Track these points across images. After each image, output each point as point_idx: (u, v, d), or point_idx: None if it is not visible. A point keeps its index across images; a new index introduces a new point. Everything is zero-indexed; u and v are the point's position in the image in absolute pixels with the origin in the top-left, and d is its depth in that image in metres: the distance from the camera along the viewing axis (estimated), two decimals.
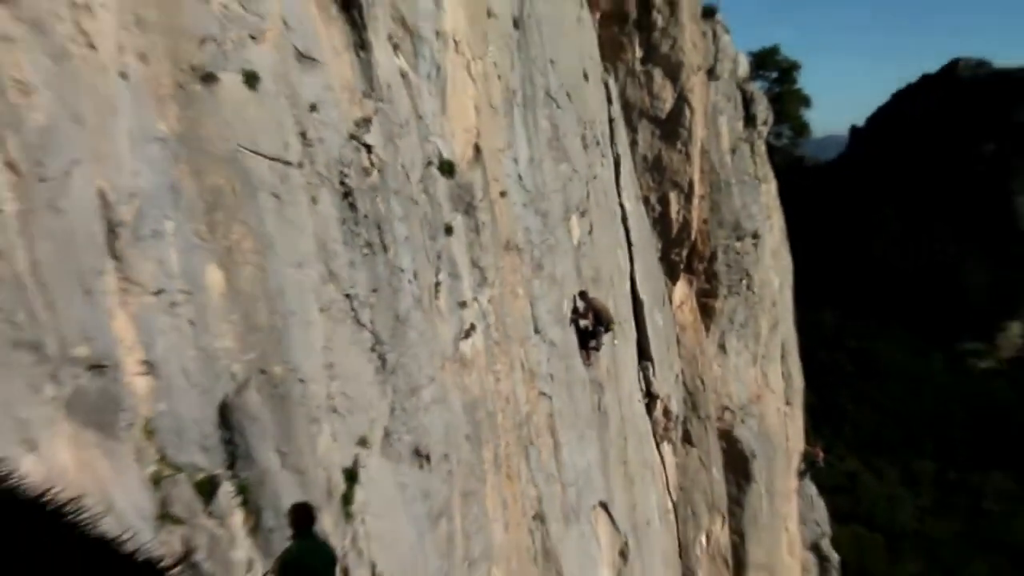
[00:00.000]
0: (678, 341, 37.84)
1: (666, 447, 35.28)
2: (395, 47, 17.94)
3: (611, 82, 34.57)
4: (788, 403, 46.76)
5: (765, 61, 75.31)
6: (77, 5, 11.23)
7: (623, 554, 27.01)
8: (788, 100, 76.87)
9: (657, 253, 37.04)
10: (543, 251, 24.17)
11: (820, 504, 51.67)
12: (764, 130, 45.05)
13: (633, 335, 32.75)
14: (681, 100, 36.56)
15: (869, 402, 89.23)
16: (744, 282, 40.87)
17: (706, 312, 39.91)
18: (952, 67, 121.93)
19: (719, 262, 39.50)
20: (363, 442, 15.20)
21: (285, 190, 14.17)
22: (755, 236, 41.18)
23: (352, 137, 16.08)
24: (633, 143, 36.00)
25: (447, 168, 19.08)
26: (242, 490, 12.36)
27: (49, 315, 10.03)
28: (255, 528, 12.46)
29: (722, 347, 40.59)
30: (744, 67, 46.09)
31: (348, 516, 14.41)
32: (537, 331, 23.22)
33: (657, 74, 36.25)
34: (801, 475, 49.20)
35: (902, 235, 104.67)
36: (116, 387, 10.93)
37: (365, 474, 14.95)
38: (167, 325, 11.93)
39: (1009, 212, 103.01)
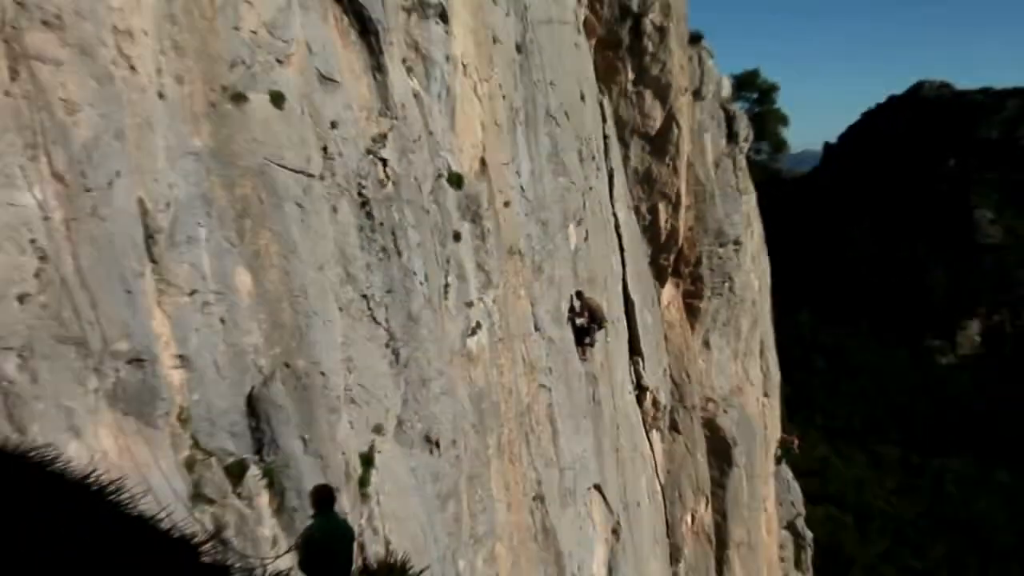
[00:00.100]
0: (666, 338, 37.80)
1: (655, 435, 35.24)
2: (409, 70, 17.94)
3: (605, 102, 34.53)
4: (766, 395, 46.70)
5: (746, 83, 75.02)
6: (120, 31, 11.24)
7: (615, 532, 26.98)
8: (767, 119, 76.62)
9: (647, 258, 36.99)
10: (543, 256, 24.14)
11: (795, 487, 51.56)
12: (745, 146, 44.94)
13: (625, 333, 32.70)
14: (669, 119, 36.50)
15: (840, 394, 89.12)
16: (726, 284, 40.78)
17: (691, 312, 39.84)
18: (917, 88, 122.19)
19: (703, 266, 39.43)
20: (378, 429, 15.20)
21: (308, 200, 14.16)
22: (737, 243, 41.09)
23: (369, 152, 16.07)
24: (625, 158, 35.95)
25: (456, 180, 19.06)
26: (268, 473, 12.37)
27: (93, 313, 10.04)
28: (280, 508, 12.47)
29: (706, 344, 40.52)
30: (727, 89, 46.02)
31: (364, 497, 14.41)
32: (537, 329, 23.19)
33: (648, 95, 36.20)
34: (778, 460, 49.14)
35: (871, 243, 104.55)
36: (154, 379, 10.94)
37: (380, 459, 14.95)
38: (200, 323, 11.94)
39: (969, 223, 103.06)
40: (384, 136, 16.56)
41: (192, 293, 11.88)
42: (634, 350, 33.51)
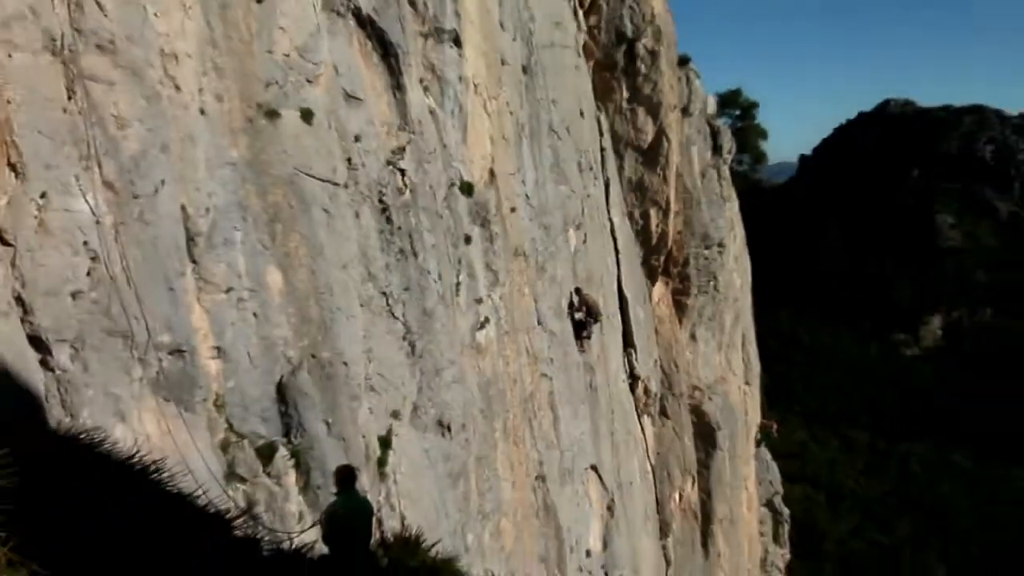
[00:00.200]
0: (656, 332, 37.75)
1: (646, 420, 35.20)
2: (425, 89, 17.93)
3: (602, 118, 34.48)
4: (747, 383, 46.63)
5: (729, 101, 74.78)
6: (166, 55, 11.28)
7: (610, 508, 26.97)
8: (748, 133, 76.41)
9: (639, 259, 36.93)
10: (545, 257, 24.13)
11: (774, 467, 51.52)
12: (728, 158, 44.86)
13: (619, 327, 32.68)
14: (660, 133, 36.45)
15: (815, 383, 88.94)
16: (711, 283, 40.70)
17: (680, 308, 39.76)
18: (884, 106, 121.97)
19: (691, 266, 39.33)
20: (395, 415, 15.21)
21: (334, 206, 14.18)
22: (721, 245, 41.01)
23: (389, 163, 16.07)
24: (620, 168, 35.90)
25: (467, 188, 19.06)
26: (295, 454, 12.38)
27: (138, 309, 10.07)
28: (306, 486, 12.48)
29: (693, 337, 40.44)
30: (712, 106, 45.97)
31: (382, 476, 14.42)
32: (540, 323, 23.18)
33: (640, 112, 36.16)
34: (758, 443, 49.09)
35: (843, 246, 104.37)
36: (193, 368, 10.97)
37: (397, 441, 14.95)
38: (235, 317, 11.96)
39: (931, 228, 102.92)
40: (403, 149, 16.56)
41: (228, 290, 11.90)
42: (627, 343, 33.49)
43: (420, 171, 17.00)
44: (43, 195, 9.17)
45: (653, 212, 37.17)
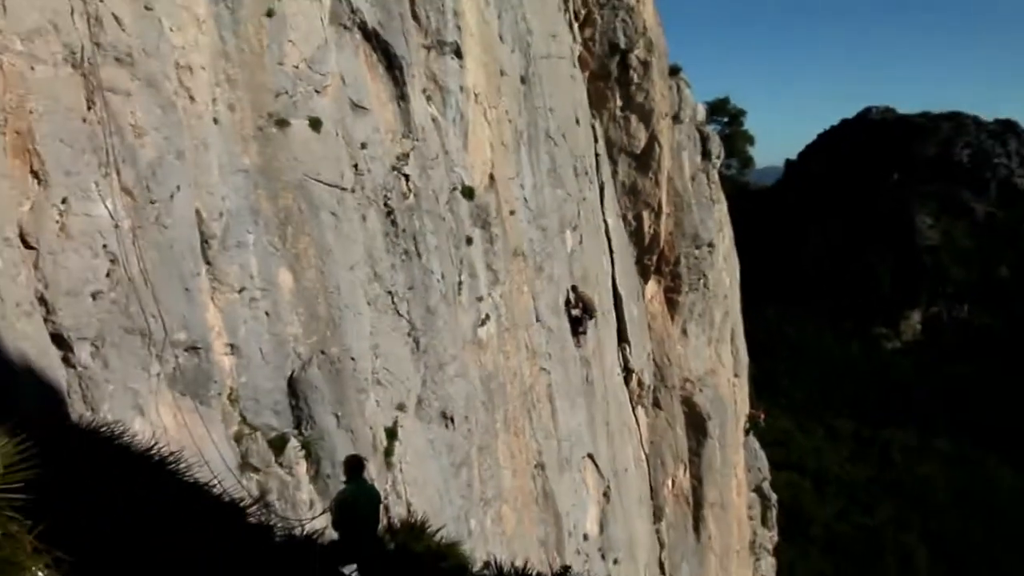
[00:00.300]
0: (649, 327, 37.70)
1: (640, 411, 35.16)
2: (428, 98, 17.93)
3: (597, 125, 34.44)
4: (736, 376, 46.55)
5: (718, 109, 74.97)
6: (181, 67, 11.29)
7: (606, 495, 26.94)
8: (736, 139, 76.66)
9: (633, 258, 36.87)
10: (543, 257, 24.11)
11: (762, 455, 51.40)
12: (717, 162, 44.77)
13: (614, 323, 32.64)
14: (652, 139, 36.37)
15: (800, 375, 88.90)
16: (701, 281, 40.60)
17: (671, 305, 39.68)
18: (865, 113, 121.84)
19: (682, 265, 39.25)
20: (401, 407, 15.20)
21: (341, 209, 14.18)
22: (710, 245, 40.92)
23: (394, 168, 16.07)
24: (614, 173, 35.83)
25: (468, 192, 19.05)
26: (306, 445, 12.39)
27: (156, 308, 10.07)
28: (316, 475, 12.50)
29: (684, 332, 40.37)
30: (701, 113, 45.86)
31: (389, 465, 14.42)
32: (538, 320, 23.16)
33: (633, 119, 36.07)
34: (747, 432, 48.96)
35: (827, 246, 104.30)
36: (208, 364, 10.98)
37: (402, 432, 14.96)
38: (248, 315, 11.97)
39: (911, 227, 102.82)
40: (407, 155, 16.56)
41: (241, 290, 11.91)
42: (622, 338, 33.45)
43: (423, 176, 17.00)
44: (64, 200, 9.18)
45: (646, 214, 37.11)
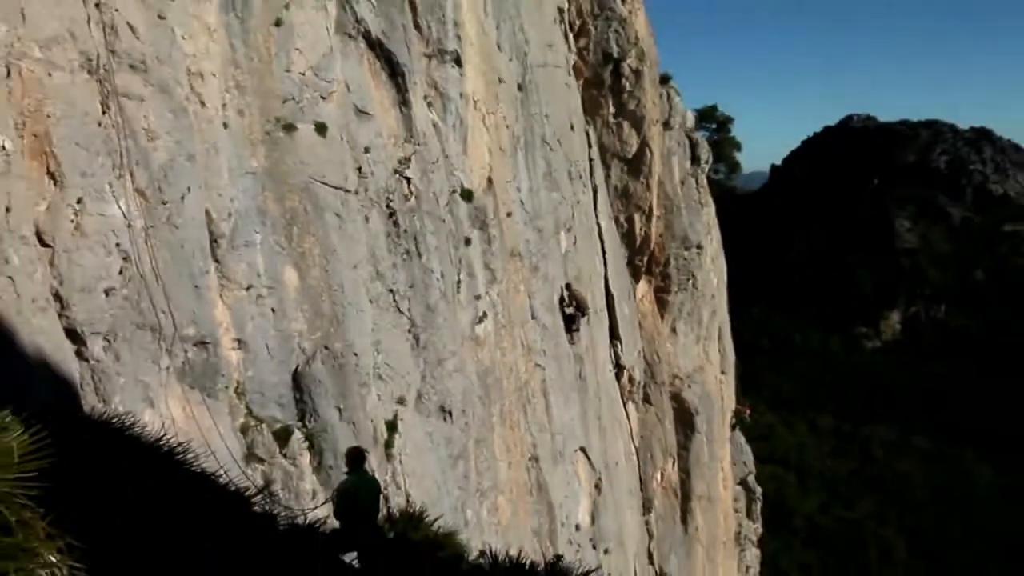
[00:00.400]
0: (640, 325, 37.73)
1: (631, 406, 35.19)
2: (429, 104, 17.93)
3: (591, 131, 34.45)
4: (723, 372, 46.58)
5: (706, 116, 74.94)
6: (192, 73, 11.29)
7: (598, 487, 26.96)
8: (724, 145, 76.64)
9: (624, 259, 36.89)
10: (539, 257, 24.12)
11: (747, 449, 51.44)
12: (706, 167, 44.83)
13: (606, 321, 32.66)
14: (643, 145, 36.41)
15: (785, 372, 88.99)
16: (690, 281, 40.62)
17: (661, 304, 39.70)
18: (847, 121, 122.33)
19: (671, 266, 39.27)
20: (401, 401, 15.21)
21: (345, 211, 14.18)
22: (699, 247, 40.93)
23: (396, 172, 16.08)
24: (607, 177, 35.85)
25: (467, 195, 19.06)
26: (309, 437, 12.40)
27: (166, 304, 10.08)
28: (319, 466, 12.50)
29: (673, 330, 40.38)
30: (691, 120, 45.94)
31: (389, 457, 14.43)
32: (534, 317, 23.17)
33: (625, 125, 36.10)
34: (733, 427, 49.01)
35: (810, 248, 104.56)
36: (215, 359, 10.98)
37: (402, 425, 14.96)
38: (255, 312, 11.97)
39: (890, 231, 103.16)
40: (408, 159, 16.57)
41: (248, 288, 11.91)
42: (614, 335, 33.47)
43: (424, 179, 17.00)
44: (79, 201, 9.18)
45: (637, 217, 37.14)
